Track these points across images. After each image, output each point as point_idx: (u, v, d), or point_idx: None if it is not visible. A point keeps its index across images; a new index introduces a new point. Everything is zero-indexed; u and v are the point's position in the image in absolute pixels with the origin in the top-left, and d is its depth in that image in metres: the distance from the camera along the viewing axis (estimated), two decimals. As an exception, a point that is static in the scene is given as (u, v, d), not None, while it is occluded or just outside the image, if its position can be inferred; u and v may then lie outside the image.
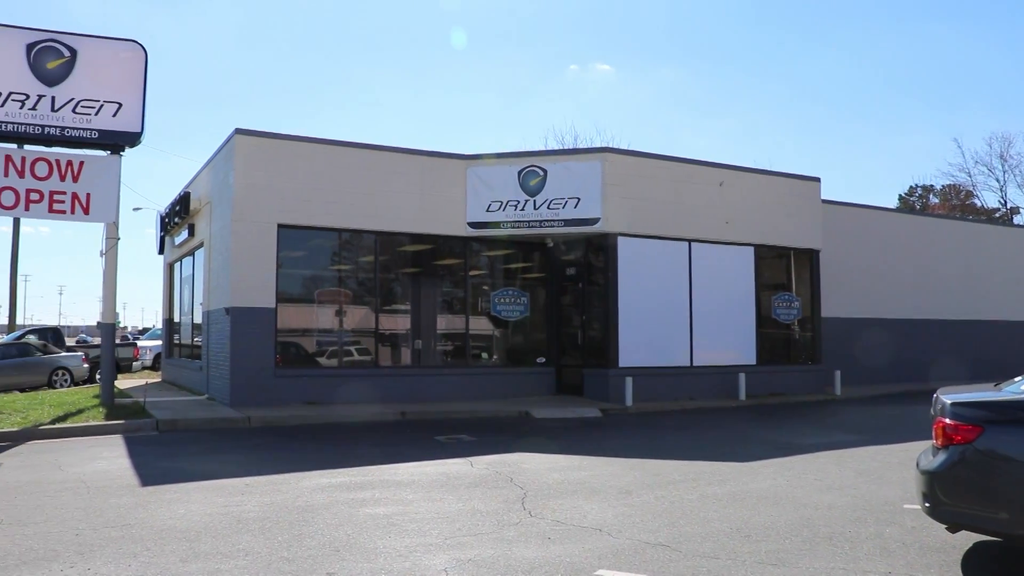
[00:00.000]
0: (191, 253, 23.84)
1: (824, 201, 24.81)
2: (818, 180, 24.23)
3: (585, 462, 11.80)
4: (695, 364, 21.53)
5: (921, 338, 28.26)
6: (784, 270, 24.27)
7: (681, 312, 21.45)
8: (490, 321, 21.62)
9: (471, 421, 16.84)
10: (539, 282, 22.35)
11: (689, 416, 18.32)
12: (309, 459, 11.96)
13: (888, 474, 10.65)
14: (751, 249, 22.79)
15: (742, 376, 21.33)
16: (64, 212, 17.12)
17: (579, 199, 20.13)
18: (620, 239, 20.41)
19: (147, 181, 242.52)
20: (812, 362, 23.92)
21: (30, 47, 16.95)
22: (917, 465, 6.73)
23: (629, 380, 19.40)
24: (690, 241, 21.68)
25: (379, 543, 7.22)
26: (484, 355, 21.73)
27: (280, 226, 18.66)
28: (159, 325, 38.09)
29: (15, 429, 14.21)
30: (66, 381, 25.09)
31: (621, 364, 20.09)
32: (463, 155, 20.86)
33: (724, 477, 10.48)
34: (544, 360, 21.88)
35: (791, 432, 15.34)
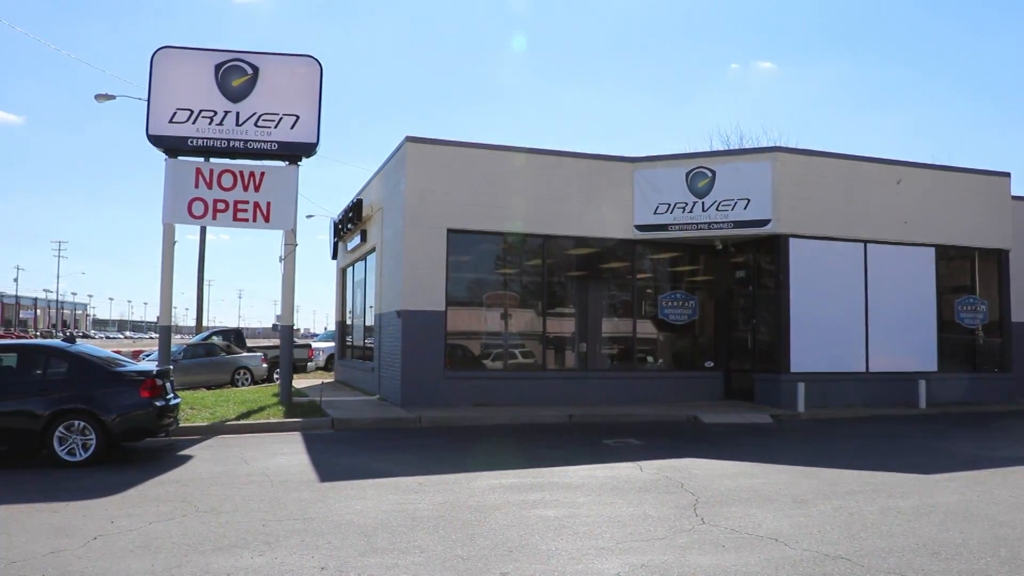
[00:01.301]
0: (363, 258, 24.69)
1: (1014, 198, 23.25)
2: (1008, 175, 22.72)
3: (757, 469, 11.49)
4: (871, 370, 20.59)
5: None
6: (968, 272, 22.89)
7: (856, 316, 20.58)
8: (656, 325, 21.37)
9: (638, 425, 16.70)
10: (706, 285, 21.97)
11: (864, 424, 17.55)
12: (479, 460, 12.13)
13: (1093, 491, 9.87)
14: (931, 250, 21.61)
15: (922, 383, 20.23)
16: (247, 220, 18.12)
17: (749, 200, 19.64)
18: (792, 240, 19.76)
19: (317, 189, 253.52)
20: (1001, 370, 22.46)
21: (218, 67, 18.09)
22: None
23: (801, 386, 18.76)
24: (865, 242, 20.77)
25: (551, 545, 7.25)
26: (650, 359, 21.49)
27: (449, 231, 19.05)
28: (331, 327, 39.72)
29: (205, 424, 15.22)
30: (247, 380, 26.51)
31: (793, 369, 19.43)
32: (630, 158, 20.72)
33: (906, 489, 9.96)
34: (712, 364, 21.47)
35: (979, 444, 14.42)
